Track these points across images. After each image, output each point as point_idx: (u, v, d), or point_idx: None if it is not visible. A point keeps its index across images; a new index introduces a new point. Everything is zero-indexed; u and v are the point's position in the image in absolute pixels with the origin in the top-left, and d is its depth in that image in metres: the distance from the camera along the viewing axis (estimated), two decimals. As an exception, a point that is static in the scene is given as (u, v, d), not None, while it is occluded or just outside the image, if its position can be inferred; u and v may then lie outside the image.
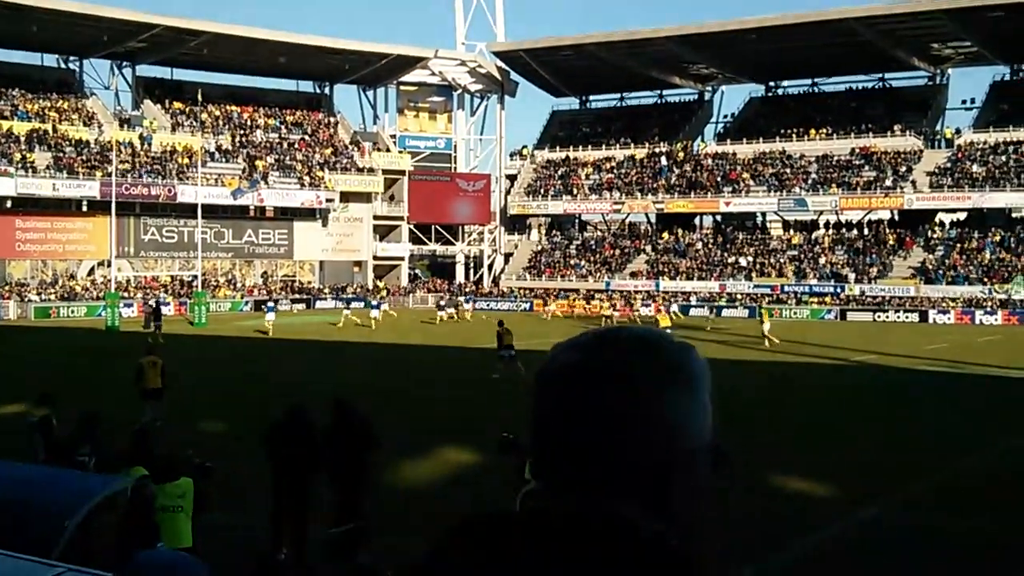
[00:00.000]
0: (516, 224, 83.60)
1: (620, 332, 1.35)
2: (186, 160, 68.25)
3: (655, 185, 76.38)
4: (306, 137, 78.00)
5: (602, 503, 1.25)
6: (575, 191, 79.16)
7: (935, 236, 67.52)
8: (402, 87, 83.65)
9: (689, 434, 1.29)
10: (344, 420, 12.15)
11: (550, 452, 1.30)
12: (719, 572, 1.33)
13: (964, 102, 76.42)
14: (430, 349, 41.35)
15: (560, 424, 1.29)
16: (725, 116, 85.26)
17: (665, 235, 75.94)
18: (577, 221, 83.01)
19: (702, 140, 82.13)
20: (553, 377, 1.31)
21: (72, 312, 59.20)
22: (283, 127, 78.14)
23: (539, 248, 79.42)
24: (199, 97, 68.36)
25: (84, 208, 64.30)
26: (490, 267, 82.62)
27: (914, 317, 60.18)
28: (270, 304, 54.42)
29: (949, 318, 59.29)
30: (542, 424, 1.31)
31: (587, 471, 1.27)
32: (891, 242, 67.85)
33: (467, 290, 74.07)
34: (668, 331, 1.42)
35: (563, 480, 1.28)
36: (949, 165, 68.11)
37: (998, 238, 64.81)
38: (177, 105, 74.68)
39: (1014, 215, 67.94)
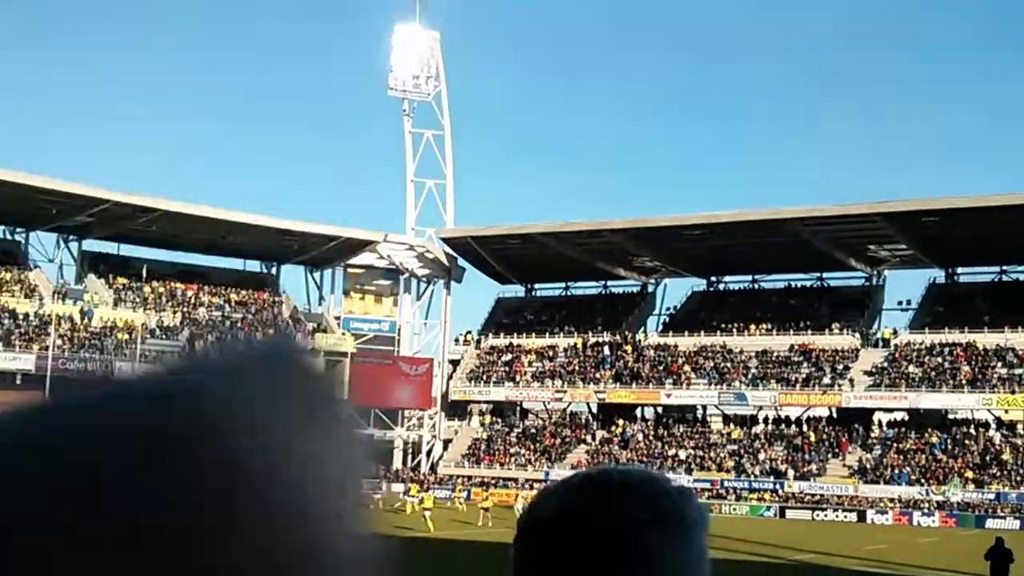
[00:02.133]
0: (456, 410, 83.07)
1: (609, 474, 1.24)
2: (126, 336, 67.71)
3: (597, 375, 76.70)
4: (249, 316, 77.86)
5: None
6: (518, 378, 79.21)
7: (873, 436, 68.03)
8: (349, 269, 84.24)
9: None
10: None
11: None
12: None
13: (900, 303, 78.38)
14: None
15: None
16: (668, 308, 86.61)
17: (605, 429, 75.81)
18: (519, 408, 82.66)
19: (644, 331, 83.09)
20: (534, 526, 1.21)
21: None
22: (227, 305, 78.07)
23: (479, 435, 78.78)
24: (144, 273, 68.34)
25: (18, 381, 63.13)
26: (428, 453, 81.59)
27: (852, 517, 60.01)
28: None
29: (887, 518, 59.18)
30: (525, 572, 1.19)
31: None
32: (829, 440, 68.23)
33: (419, 478, 72.66)
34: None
35: None
36: (886, 364, 69.26)
37: (935, 439, 65.40)
38: (121, 280, 74.55)
39: (950, 416, 68.79)
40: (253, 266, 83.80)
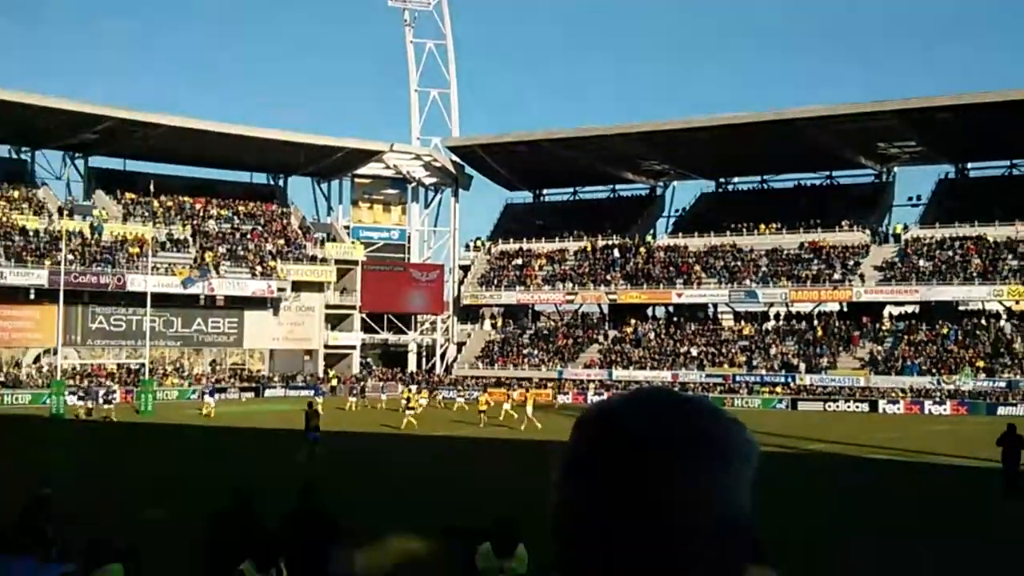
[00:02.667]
0: (469, 314, 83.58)
1: (665, 391, 1.26)
2: (136, 250, 67.82)
3: (608, 277, 76.93)
4: (259, 227, 77.90)
5: None
6: (528, 282, 79.47)
7: (884, 329, 68.31)
8: (357, 180, 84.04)
9: (728, 513, 1.19)
10: (311, 509, 11.78)
11: (580, 518, 1.19)
12: None
13: (911, 199, 78.16)
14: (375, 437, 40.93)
15: (574, 489, 1.19)
16: (677, 210, 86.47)
17: (616, 328, 76.21)
18: (530, 311, 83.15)
19: (653, 233, 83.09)
20: (580, 422, 1.23)
21: (16, 399, 58.17)
22: (236, 217, 78.01)
23: (492, 338, 79.36)
24: (151, 188, 68.21)
25: (32, 296, 63.43)
26: (442, 356, 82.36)
27: (864, 407, 60.58)
28: (209, 387, 53.95)
29: (899, 408, 59.71)
30: (580, 483, 1.20)
31: (623, 546, 1.16)
32: (840, 334, 68.57)
33: (432, 379, 73.45)
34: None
35: (590, 553, 1.18)
36: (896, 259, 69.26)
37: (946, 330, 65.67)
38: (129, 196, 74.40)
39: (960, 308, 68.99)
40: (260, 179, 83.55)
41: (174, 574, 13.58)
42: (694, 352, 70.40)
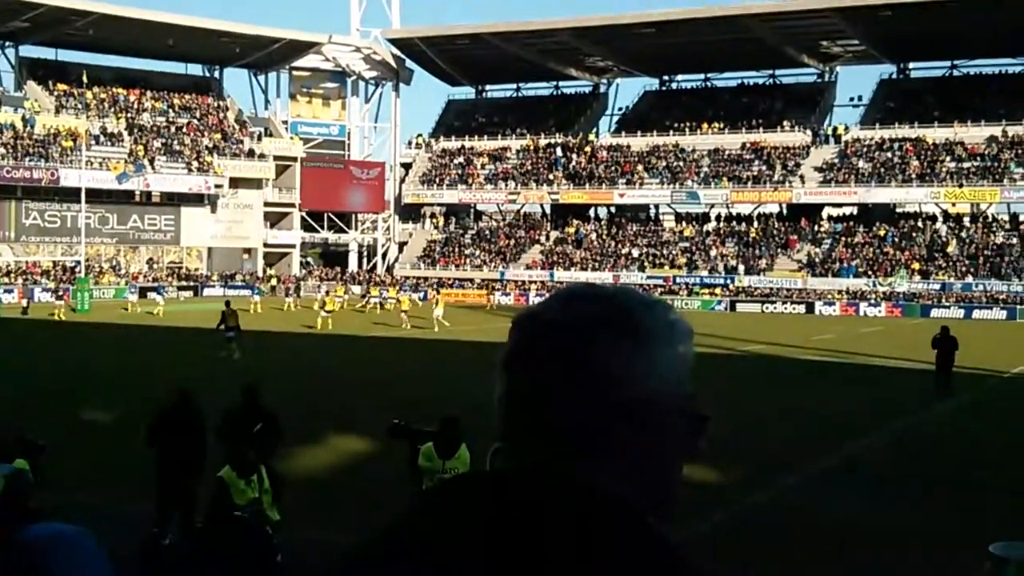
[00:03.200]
0: (411, 213, 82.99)
1: (586, 286, 1.32)
2: (70, 143, 66.13)
3: (550, 176, 76.60)
4: (195, 121, 76.19)
5: (562, 462, 1.23)
6: (470, 180, 78.91)
7: (822, 230, 69.00)
8: (295, 72, 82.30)
9: (649, 391, 1.25)
10: (253, 408, 11.79)
11: (512, 406, 1.27)
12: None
13: (852, 99, 78.63)
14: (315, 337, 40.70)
15: (515, 377, 1.27)
16: (620, 108, 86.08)
17: (558, 229, 76.17)
18: (472, 211, 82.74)
19: (596, 132, 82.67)
20: (516, 328, 1.30)
21: (-52, 297, 57.13)
22: (171, 111, 76.18)
23: (433, 237, 78.96)
24: (84, 79, 66.12)
25: (-39, 189, 61.76)
26: (384, 256, 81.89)
27: (801, 309, 61.45)
28: (161, 286, 53.06)
29: (835, 310, 60.65)
30: (503, 377, 1.28)
31: (544, 426, 1.24)
32: (779, 236, 69.16)
33: (373, 279, 72.87)
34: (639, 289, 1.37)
35: (523, 436, 1.27)
36: (836, 161, 69.66)
37: (883, 232, 66.48)
38: (62, 87, 72.24)
39: (898, 210, 69.80)
40: (195, 70, 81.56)
41: (116, 474, 13.43)
42: (635, 253, 70.66)
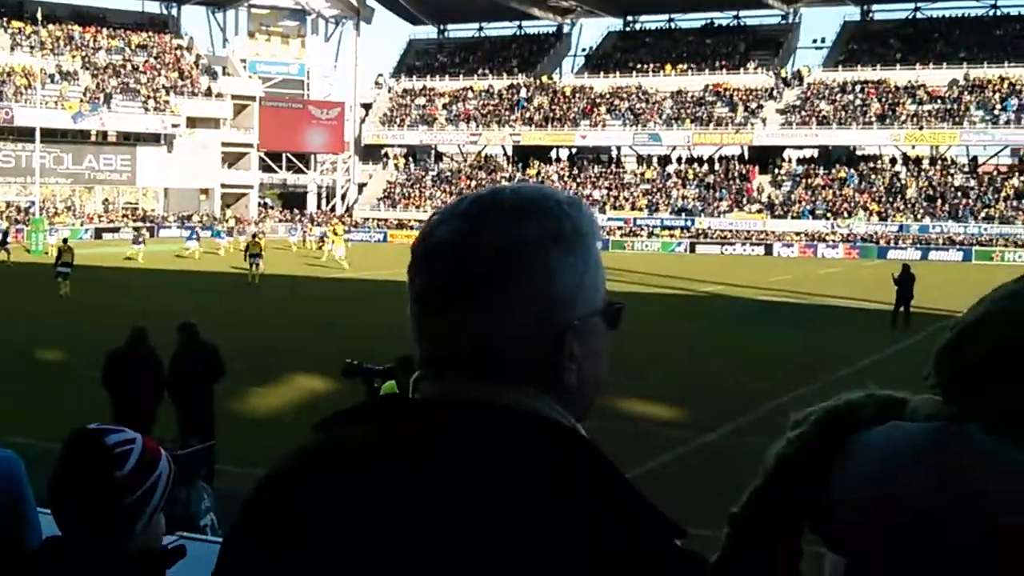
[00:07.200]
0: (371, 154, 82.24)
1: (501, 194, 1.21)
2: (24, 82, 64.85)
3: (512, 118, 76.07)
4: (151, 60, 74.84)
5: (488, 388, 1.15)
6: (432, 122, 78.25)
7: (782, 173, 69.12)
8: (253, 10, 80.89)
9: (584, 300, 1.18)
10: (192, 345, 11.70)
11: (430, 332, 1.19)
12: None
13: (815, 41, 78.41)
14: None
15: (437, 302, 1.17)
16: (584, 49, 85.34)
17: (520, 171, 75.84)
18: (433, 152, 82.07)
19: (559, 73, 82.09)
20: (430, 252, 1.19)
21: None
22: (128, 49, 74.75)
23: (394, 179, 78.37)
24: (39, 16, 64.60)
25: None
26: (343, 197, 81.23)
27: (760, 251, 61.71)
28: (140, 236, 51.13)
29: (793, 251, 60.95)
30: (420, 302, 1.19)
31: (469, 352, 1.16)
32: (739, 178, 69.25)
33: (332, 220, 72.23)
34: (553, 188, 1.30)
35: (446, 365, 1.18)
36: (798, 103, 69.64)
37: (843, 175, 66.70)
38: (16, 24, 70.55)
39: (858, 153, 70.01)
40: (152, 7, 79.98)
41: (70, 414, 13.28)
42: (597, 195, 70.50)
